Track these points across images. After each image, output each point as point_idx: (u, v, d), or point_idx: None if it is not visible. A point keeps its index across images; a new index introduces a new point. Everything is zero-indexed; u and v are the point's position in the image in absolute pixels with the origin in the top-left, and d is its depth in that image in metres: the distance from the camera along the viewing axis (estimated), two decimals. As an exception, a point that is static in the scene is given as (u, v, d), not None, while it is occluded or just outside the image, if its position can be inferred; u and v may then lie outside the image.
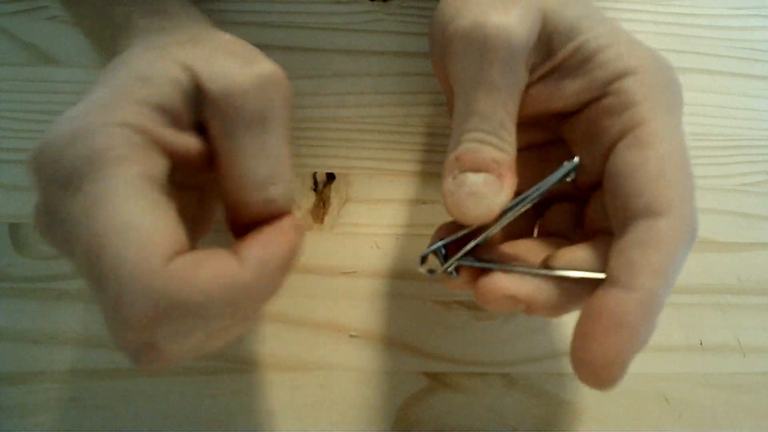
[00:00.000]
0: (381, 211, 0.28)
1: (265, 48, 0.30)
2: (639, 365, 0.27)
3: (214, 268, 0.15)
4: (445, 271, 0.20)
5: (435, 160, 0.29)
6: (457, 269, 0.20)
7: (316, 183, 0.29)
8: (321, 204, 0.28)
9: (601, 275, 0.17)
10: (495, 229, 0.19)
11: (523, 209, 0.18)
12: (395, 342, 0.27)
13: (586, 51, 0.19)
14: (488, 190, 0.18)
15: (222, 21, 0.30)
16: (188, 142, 0.18)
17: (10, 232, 0.27)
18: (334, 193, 0.28)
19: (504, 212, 0.18)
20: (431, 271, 0.20)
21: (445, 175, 0.19)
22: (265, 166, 0.18)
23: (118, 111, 0.16)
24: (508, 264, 0.19)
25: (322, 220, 0.28)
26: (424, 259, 0.21)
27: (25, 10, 0.30)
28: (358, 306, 0.27)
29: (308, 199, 0.28)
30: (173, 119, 0.17)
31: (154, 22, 0.21)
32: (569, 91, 0.19)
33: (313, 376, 0.26)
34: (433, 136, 0.30)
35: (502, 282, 0.18)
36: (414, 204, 0.29)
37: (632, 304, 0.16)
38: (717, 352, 0.28)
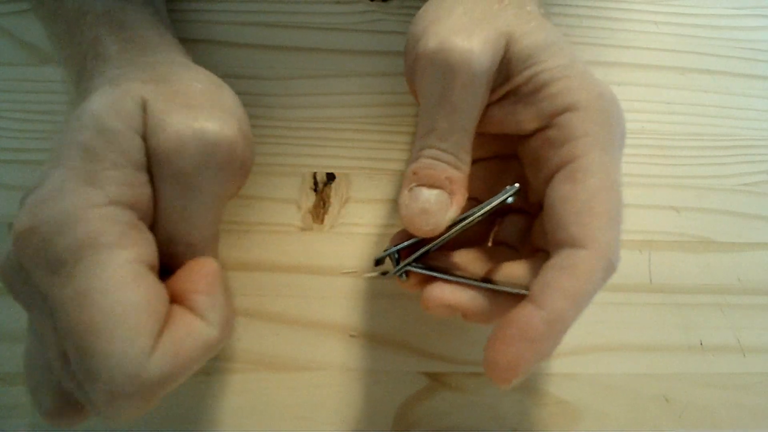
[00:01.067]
0: (381, 211, 0.28)
1: (265, 48, 0.30)
2: (639, 365, 0.27)
3: (192, 337, 0.17)
4: (395, 274, 0.22)
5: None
6: (408, 273, 0.22)
7: (316, 183, 0.29)
8: (321, 204, 0.28)
9: (525, 291, 0.18)
10: (442, 241, 0.21)
11: (468, 225, 0.20)
12: (395, 342, 0.27)
13: (538, 81, 0.20)
14: (438, 208, 0.20)
15: (222, 21, 0.30)
16: (137, 185, 0.18)
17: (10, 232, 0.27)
18: (334, 193, 0.28)
19: (451, 226, 0.20)
20: (384, 273, 0.23)
21: (403, 185, 0.20)
22: (181, 227, 0.19)
23: (100, 186, 0.17)
24: (451, 272, 0.21)
25: (322, 220, 0.28)
26: (379, 261, 0.24)
27: (25, 10, 0.30)
28: (358, 306, 0.27)
29: (308, 199, 0.28)
30: (140, 167, 0.18)
31: (125, 53, 0.22)
32: (520, 117, 0.20)
33: (313, 376, 0.26)
34: (433, 136, 0.30)
35: (442, 292, 0.20)
36: None
37: (539, 320, 0.17)
38: (717, 352, 0.28)
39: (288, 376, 0.26)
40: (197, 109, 0.19)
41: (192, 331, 0.18)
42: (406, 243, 0.22)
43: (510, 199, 0.20)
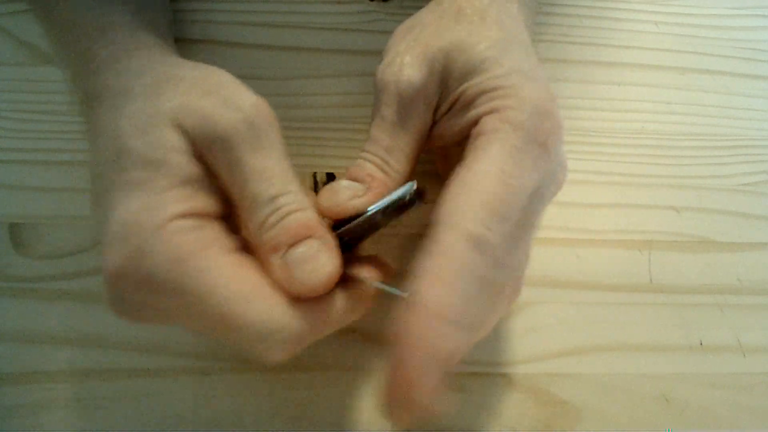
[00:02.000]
0: (381, 211, 0.28)
1: (266, 48, 0.30)
2: (639, 365, 0.27)
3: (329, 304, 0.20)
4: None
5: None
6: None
7: (316, 183, 0.29)
8: (321, 204, 0.28)
9: (405, 294, 0.18)
10: (349, 229, 0.21)
11: (366, 219, 0.21)
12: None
13: (470, 95, 0.20)
14: (346, 193, 0.21)
15: (222, 21, 0.30)
16: (214, 194, 0.20)
17: (10, 232, 0.27)
18: (334, 193, 0.28)
19: (356, 219, 0.21)
20: None
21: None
22: (270, 184, 0.19)
23: (160, 209, 0.18)
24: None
25: (322, 220, 0.28)
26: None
27: (25, 10, 0.30)
28: (358, 306, 0.27)
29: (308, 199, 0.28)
30: (193, 177, 0.19)
31: (122, 61, 0.22)
32: (455, 129, 0.21)
33: (313, 376, 0.26)
34: (433, 136, 0.30)
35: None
36: None
37: (419, 319, 0.17)
38: (717, 352, 0.28)
39: (288, 376, 0.26)
40: (220, 93, 0.20)
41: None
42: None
43: (407, 197, 0.21)
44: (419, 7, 0.32)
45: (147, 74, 0.21)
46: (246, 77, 0.29)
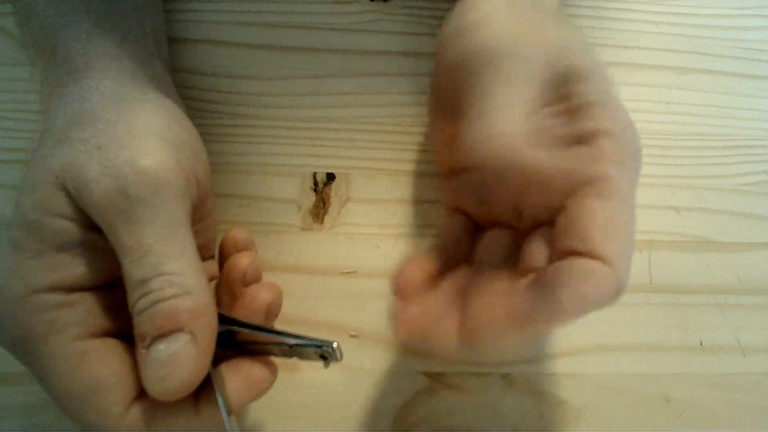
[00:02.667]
0: (381, 211, 0.28)
1: (265, 48, 0.30)
2: (639, 365, 0.27)
3: (170, 415, 0.18)
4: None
5: (434, 159, 0.29)
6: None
7: (316, 183, 0.29)
8: (321, 204, 0.28)
9: (323, 344, 0.19)
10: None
11: (275, 338, 0.20)
12: (395, 342, 0.27)
13: (586, 98, 0.19)
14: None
15: (223, 21, 0.30)
16: (92, 262, 0.19)
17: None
18: (334, 193, 0.28)
19: (260, 333, 0.20)
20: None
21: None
22: (140, 264, 0.17)
23: (23, 278, 0.18)
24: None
25: (322, 220, 0.28)
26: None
27: (13, 12, 0.30)
28: (358, 306, 0.27)
29: (308, 199, 0.28)
30: (72, 243, 0.18)
31: (54, 93, 0.22)
32: (557, 128, 0.20)
33: (313, 376, 0.26)
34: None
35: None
36: (414, 204, 0.29)
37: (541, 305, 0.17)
38: (717, 352, 0.28)
39: (288, 376, 0.26)
40: (108, 149, 0.18)
41: (177, 417, 0.18)
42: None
43: (323, 356, 0.20)
44: (420, 7, 0.32)
45: (67, 111, 0.20)
46: (246, 77, 0.30)
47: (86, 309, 0.19)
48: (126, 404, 0.18)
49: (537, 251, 0.20)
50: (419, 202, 0.29)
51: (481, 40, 0.20)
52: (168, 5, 0.30)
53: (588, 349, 0.27)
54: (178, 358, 0.17)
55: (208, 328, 0.18)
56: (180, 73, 0.29)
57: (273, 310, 0.21)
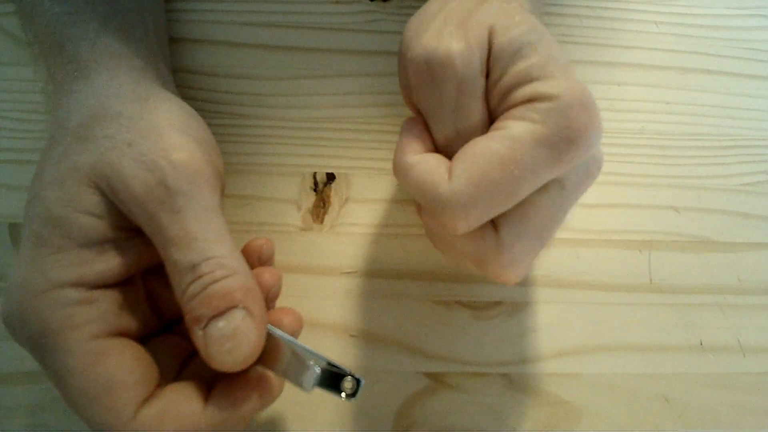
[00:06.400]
0: (381, 211, 0.28)
1: (266, 48, 0.30)
2: (639, 365, 0.27)
3: (179, 419, 0.18)
4: None
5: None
6: None
7: (316, 183, 0.29)
8: (321, 204, 0.28)
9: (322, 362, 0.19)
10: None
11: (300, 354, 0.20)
12: (395, 342, 0.27)
13: (509, 83, 0.19)
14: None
15: (223, 21, 0.30)
16: (115, 259, 0.19)
17: (10, 231, 0.27)
18: (334, 193, 0.28)
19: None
20: None
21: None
22: (189, 250, 0.18)
23: (45, 272, 0.18)
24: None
25: (322, 220, 0.28)
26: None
27: (16, 11, 0.30)
28: (358, 306, 0.27)
29: (308, 199, 0.28)
30: (98, 241, 0.19)
31: (64, 89, 0.22)
32: (500, 110, 0.20)
33: (313, 376, 0.26)
34: (433, 136, 0.30)
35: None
36: (414, 204, 0.29)
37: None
38: (717, 352, 0.28)
39: (288, 376, 0.26)
40: (140, 144, 0.19)
41: (185, 413, 0.18)
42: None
43: (346, 382, 0.19)
44: (419, 7, 0.32)
45: (83, 108, 0.20)
46: (246, 77, 0.30)
47: (105, 307, 0.19)
48: (137, 405, 0.18)
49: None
50: (419, 202, 0.29)
51: (416, 52, 0.20)
52: (168, 5, 0.30)
53: (588, 349, 0.27)
54: (240, 331, 0.18)
55: (259, 302, 0.19)
56: (180, 73, 0.29)
57: (273, 293, 0.22)
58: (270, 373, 0.20)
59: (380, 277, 0.27)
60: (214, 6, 0.31)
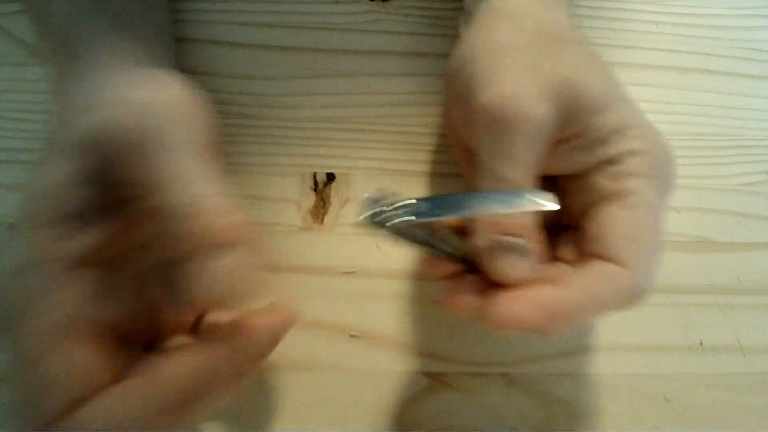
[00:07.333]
0: (381, 211, 0.28)
1: (266, 48, 0.30)
2: (639, 365, 0.27)
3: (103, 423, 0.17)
4: (381, 223, 0.19)
5: (435, 159, 0.29)
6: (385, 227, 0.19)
7: (316, 183, 0.29)
8: (321, 204, 0.28)
9: (555, 207, 0.18)
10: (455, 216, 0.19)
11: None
12: (395, 342, 0.27)
13: (605, 131, 0.20)
14: (523, 253, 0.19)
15: (222, 21, 0.30)
16: (94, 234, 0.19)
17: (10, 231, 0.27)
18: (334, 193, 0.28)
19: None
20: (374, 215, 0.19)
21: (477, 236, 0.20)
22: (178, 191, 0.18)
23: (23, 249, 0.18)
24: (432, 245, 0.21)
25: (322, 220, 0.28)
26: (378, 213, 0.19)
27: (26, 10, 0.30)
28: (358, 306, 0.27)
29: (308, 199, 0.28)
30: (84, 213, 0.18)
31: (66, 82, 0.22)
32: (579, 159, 0.21)
33: (313, 376, 0.26)
34: (433, 136, 0.30)
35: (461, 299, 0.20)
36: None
37: (562, 297, 0.18)
38: (717, 352, 0.28)
39: (288, 376, 0.26)
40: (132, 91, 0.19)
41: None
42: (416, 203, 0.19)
43: (546, 207, 0.19)
44: (419, 7, 0.32)
45: (87, 92, 0.21)
46: (246, 77, 0.30)
47: (79, 290, 0.18)
48: (62, 410, 0.17)
49: (566, 251, 0.21)
50: (419, 202, 0.29)
51: (487, 99, 0.20)
52: (169, 5, 0.30)
53: (588, 349, 0.27)
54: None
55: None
56: (180, 73, 0.29)
57: None
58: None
59: (380, 277, 0.27)
60: (214, 6, 0.31)
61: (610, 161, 0.20)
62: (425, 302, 0.27)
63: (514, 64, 0.20)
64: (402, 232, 0.19)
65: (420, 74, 0.30)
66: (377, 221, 0.19)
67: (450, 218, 0.20)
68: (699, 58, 0.32)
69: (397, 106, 0.30)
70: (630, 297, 0.19)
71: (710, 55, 0.33)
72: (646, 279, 0.19)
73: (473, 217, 0.20)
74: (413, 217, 0.18)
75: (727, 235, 0.30)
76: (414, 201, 0.19)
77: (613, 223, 0.19)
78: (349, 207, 0.28)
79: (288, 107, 0.29)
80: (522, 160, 0.20)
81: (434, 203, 0.19)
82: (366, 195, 0.19)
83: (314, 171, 0.29)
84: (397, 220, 0.18)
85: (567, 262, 0.21)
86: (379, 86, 0.30)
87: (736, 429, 0.27)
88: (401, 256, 0.28)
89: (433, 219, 0.19)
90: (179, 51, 0.30)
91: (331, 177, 0.29)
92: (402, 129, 0.30)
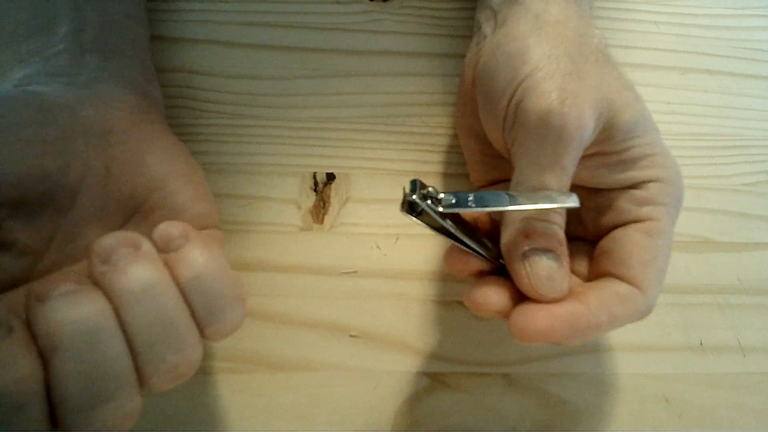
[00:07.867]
0: (381, 211, 0.28)
1: (266, 48, 0.30)
2: (639, 365, 0.27)
3: None
4: (420, 211, 0.20)
5: (435, 160, 0.29)
6: (420, 213, 0.20)
7: (316, 183, 0.29)
8: (321, 204, 0.28)
9: (576, 204, 0.20)
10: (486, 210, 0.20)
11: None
12: (395, 342, 0.27)
13: (635, 153, 0.21)
14: (561, 275, 0.20)
15: (222, 21, 0.30)
16: None
17: None
18: (334, 193, 0.28)
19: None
20: (415, 202, 0.20)
21: (510, 253, 0.20)
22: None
23: None
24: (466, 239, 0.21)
25: (322, 220, 0.28)
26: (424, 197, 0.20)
27: None
28: (358, 306, 0.27)
29: (308, 199, 0.28)
30: None
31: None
32: (607, 176, 0.22)
33: (313, 376, 0.26)
34: (433, 136, 0.30)
35: (485, 296, 0.21)
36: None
37: (586, 317, 0.19)
38: (717, 352, 0.28)
39: (288, 376, 0.26)
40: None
41: None
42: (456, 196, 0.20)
43: (573, 204, 0.20)
44: (420, 7, 0.32)
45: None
46: (246, 77, 0.30)
47: None
48: None
49: (580, 264, 0.23)
50: (419, 202, 0.29)
51: (536, 104, 0.20)
52: (169, 5, 0.30)
53: (588, 349, 0.27)
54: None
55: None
56: (180, 73, 0.29)
57: None
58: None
59: (380, 277, 0.27)
60: (214, 6, 0.31)
61: (636, 186, 0.22)
62: (425, 302, 0.27)
63: (560, 72, 0.21)
64: (438, 223, 0.20)
65: (420, 74, 0.30)
66: (418, 211, 0.20)
67: (485, 211, 0.21)
68: (699, 58, 0.32)
69: (397, 106, 0.30)
70: (640, 316, 0.20)
71: (710, 55, 0.33)
72: (654, 299, 0.20)
73: (506, 211, 0.21)
74: (452, 205, 0.19)
75: (727, 235, 0.30)
76: (453, 193, 0.20)
77: (635, 248, 0.21)
78: (349, 207, 0.28)
79: (288, 107, 0.29)
80: (566, 168, 0.20)
81: (474, 196, 0.20)
82: (409, 184, 0.20)
83: (314, 171, 0.29)
84: (439, 209, 0.19)
85: (578, 274, 0.23)
86: (379, 86, 0.30)
87: (736, 429, 0.27)
88: (401, 256, 0.28)
89: (469, 210, 0.20)
90: (179, 51, 0.30)
91: (331, 177, 0.29)
92: (402, 129, 0.30)
